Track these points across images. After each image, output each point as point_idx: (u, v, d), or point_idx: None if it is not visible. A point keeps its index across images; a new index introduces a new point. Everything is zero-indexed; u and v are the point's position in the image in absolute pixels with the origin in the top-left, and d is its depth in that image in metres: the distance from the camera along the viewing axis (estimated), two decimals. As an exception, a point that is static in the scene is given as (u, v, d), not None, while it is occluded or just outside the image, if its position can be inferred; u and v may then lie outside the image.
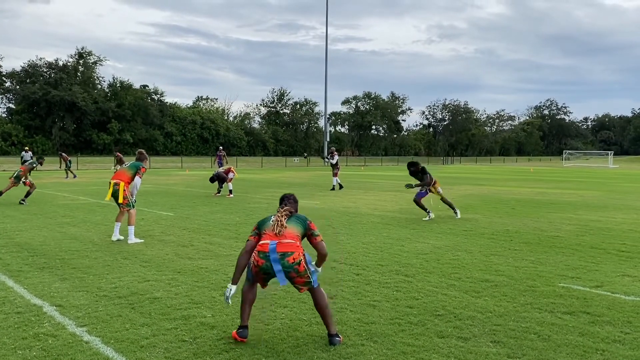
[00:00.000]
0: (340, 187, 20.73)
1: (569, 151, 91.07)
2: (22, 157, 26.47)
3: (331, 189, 20.33)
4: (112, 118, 72.48)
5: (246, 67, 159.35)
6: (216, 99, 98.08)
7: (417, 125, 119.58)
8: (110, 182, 9.13)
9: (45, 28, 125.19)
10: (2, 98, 75.10)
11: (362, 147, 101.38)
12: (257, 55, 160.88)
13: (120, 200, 8.92)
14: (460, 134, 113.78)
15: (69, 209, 13.57)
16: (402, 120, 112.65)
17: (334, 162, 20.75)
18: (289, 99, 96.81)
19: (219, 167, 32.29)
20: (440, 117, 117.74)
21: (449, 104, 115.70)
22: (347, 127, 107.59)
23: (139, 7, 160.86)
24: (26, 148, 35.81)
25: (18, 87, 71.61)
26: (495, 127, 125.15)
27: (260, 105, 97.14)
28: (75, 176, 29.43)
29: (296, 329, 4.53)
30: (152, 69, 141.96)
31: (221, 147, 33.90)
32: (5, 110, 74.09)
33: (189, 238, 9.09)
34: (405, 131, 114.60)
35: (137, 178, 9.29)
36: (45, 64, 72.35)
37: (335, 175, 20.68)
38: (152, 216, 12.06)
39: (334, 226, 10.54)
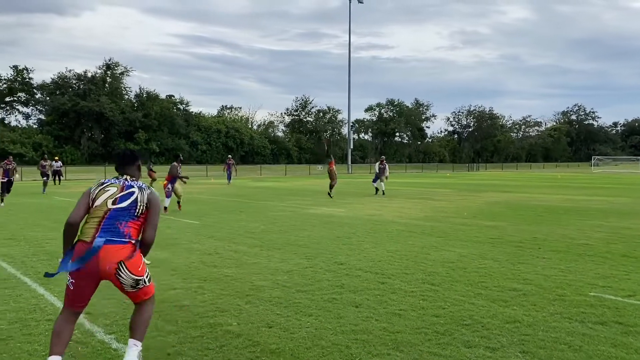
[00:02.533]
0: (376, 191, 22.07)
1: (598, 157, 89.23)
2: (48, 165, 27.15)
3: (382, 194, 21.65)
4: (139, 128, 73.83)
5: (270, 76, 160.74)
6: (240, 108, 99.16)
7: (441, 131, 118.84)
8: None
9: (74, 41, 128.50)
10: (33, 109, 77.22)
11: (386, 155, 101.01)
12: (280, 65, 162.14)
13: None
14: (485, 141, 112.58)
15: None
16: (426, 127, 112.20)
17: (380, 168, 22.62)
18: (312, 107, 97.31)
19: (228, 175, 33.55)
20: (465, 123, 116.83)
21: (473, 110, 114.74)
22: (370, 134, 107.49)
23: (164, 19, 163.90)
24: (56, 158, 36.69)
25: (48, 98, 73.55)
26: (521, 133, 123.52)
27: (284, 113, 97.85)
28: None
29: (322, 338, 4.52)
30: (177, 79, 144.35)
31: (230, 156, 36.79)
32: (36, 121, 76.12)
33: (215, 246, 9.16)
34: (429, 138, 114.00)
35: None
36: (74, 75, 74.24)
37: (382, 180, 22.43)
38: (178, 224, 12.20)
39: (358, 234, 10.51)
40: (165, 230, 11.21)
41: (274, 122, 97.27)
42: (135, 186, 3.92)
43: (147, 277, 3.78)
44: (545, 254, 8.39)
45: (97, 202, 3.80)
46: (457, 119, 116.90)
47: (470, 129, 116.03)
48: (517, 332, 4.67)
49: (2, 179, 17.07)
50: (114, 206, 3.77)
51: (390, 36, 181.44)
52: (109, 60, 76.77)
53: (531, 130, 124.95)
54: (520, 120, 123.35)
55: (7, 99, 75.79)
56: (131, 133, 73.64)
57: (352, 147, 70.97)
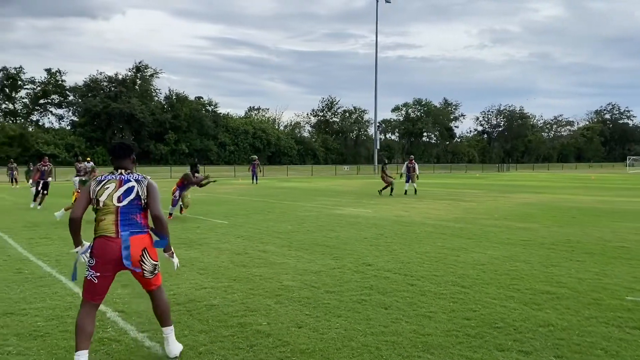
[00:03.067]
0: (391, 192, 21.75)
1: (634, 157, 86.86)
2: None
3: (414, 193, 22.10)
4: (169, 129, 74.92)
5: (296, 77, 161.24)
6: (267, 109, 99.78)
7: (470, 131, 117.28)
8: None
9: (105, 44, 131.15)
10: (66, 111, 79.16)
11: (413, 155, 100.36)
12: (307, 65, 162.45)
13: None
14: (516, 140, 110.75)
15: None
16: (455, 126, 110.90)
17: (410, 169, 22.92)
18: (338, 108, 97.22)
19: (254, 175, 33.98)
20: (495, 123, 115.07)
21: (503, 109, 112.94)
22: (397, 134, 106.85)
23: (193, 21, 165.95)
24: (88, 159, 37.52)
25: (80, 100, 75.23)
26: (552, 132, 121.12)
27: (310, 114, 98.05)
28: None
29: (351, 339, 4.51)
30: (206, 81, 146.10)
31: (255, 157, 38.00)
32: (69, 122, 77.99)
33: (243, 246, 9.23)
34: (458, 138, 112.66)
35: None
36: (106, 78, 75.77)
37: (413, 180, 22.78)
38: (207, 224, 12.34)
39: (386, 235, 10.45)
40: (195, 229, 11.35)
41: (300, 123, 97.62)
42: (133, 179, 4.05)
43: (158, 264, 4.12)
44: (579, 256, 8.20)
45: (102, 199, 3.98)
46: (486, 119, 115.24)
47: (500, 129, 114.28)
48: (551, 336, 4.58)
49: (38, 179, 17.17)
50: (121, 204, 3.97)
51: (417, 35, 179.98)
52: (139, 62, 78.20)
53: (563, 129, 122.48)
54: (552, 120, 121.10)
55: (41, 101, 77.89)
56: (161, 134, 74.80)
57: (378, 147, 70.70)
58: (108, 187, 4.00)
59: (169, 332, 4.18)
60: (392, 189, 21.58)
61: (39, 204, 16.86)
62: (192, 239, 10.14)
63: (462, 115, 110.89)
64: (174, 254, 4.36)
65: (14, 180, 32.89)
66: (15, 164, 35.03)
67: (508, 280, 6.61)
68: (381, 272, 7.10)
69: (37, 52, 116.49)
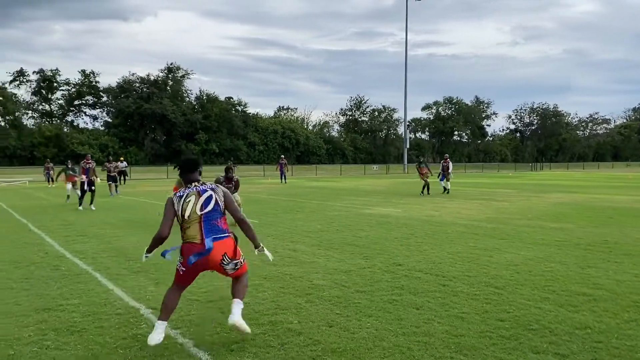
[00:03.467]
0: (444, 190, 22.23)
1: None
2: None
3: (447, 193, 21.96)
4: (200, 129, 75.90)
5: (325, 77, 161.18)
6: (296, 109, 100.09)
7: (503, 130, 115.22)
8: None
9: (137, 45, 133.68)
10: (100, 112, 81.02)
11: (444, 154, 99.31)
12: (336, 64, 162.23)
13: None
14: (549, 139, 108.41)
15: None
16: (487, 125, 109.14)
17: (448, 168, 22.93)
18: (367, 107, 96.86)
19: (282, 174, 34.20)
20: (528, 121, 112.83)
21: (537, 107, 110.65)
22: (427, 133, 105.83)
23: (222, 22, 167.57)
24: (121, 158, 38.37)
25: (114, 101, 76.87)
26: (588, 131, 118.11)
27: (339, 113, 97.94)
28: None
29: (383, 339, 4.47)
30: (235, 81, 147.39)
31: (282, 156, 38.72)
32: (102, 123, 79.78)
33: (274, 245, 9.27)
34: (490, 137, 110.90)
35: None
36: (138, 79, 77.18)
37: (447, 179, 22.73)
38: (237, 223, 12.44)
39: (417, 235, 10.36)
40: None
41: (329, 122, 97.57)
42: (208, 189, 4.50)
43: (242, 258, 4.59)
44: (617, 257, 7.97)
45: (187, 214, 4.39)
46: (519, 117, 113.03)
47: (533, 127, 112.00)
48: (588, 339, 4.45)
49: (83, 178, 16.93)
50: (203, 212, 4.40)
51: (448, 33, 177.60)
52: (171, 63, 79.41)
53: (599, 128, 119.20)
54: (587, 118, 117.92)
55: (76, 102, 79.88)
56: (192, 134, 75.81)
57: (408, 146, 70.18)
58: (189, 201, 4.41)
59: (238, 303, 4.52)
60: (427, 188, 21.39)
61: (91, 203, 16.53)
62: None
63: (494, 113, 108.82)
64: (264, 248, 4.74)
65: (50, 179, 33.82)
66: (51, 164, 36.02)
67: (543, 281, 6.47)
68: (412, 272, 7.03)
69: (72, 54, 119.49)
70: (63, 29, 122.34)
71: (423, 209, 15.48)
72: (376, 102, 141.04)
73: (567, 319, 4.96)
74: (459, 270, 7.13)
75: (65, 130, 73.53)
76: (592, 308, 5.33)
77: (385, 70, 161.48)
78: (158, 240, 4.47)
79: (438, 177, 23.08)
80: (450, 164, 22.98)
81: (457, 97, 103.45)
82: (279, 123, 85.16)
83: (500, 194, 22.20)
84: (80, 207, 16.39)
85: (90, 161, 17.44)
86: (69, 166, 19.22)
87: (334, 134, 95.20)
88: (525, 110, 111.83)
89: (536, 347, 4.26)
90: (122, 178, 32.69)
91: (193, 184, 4.51)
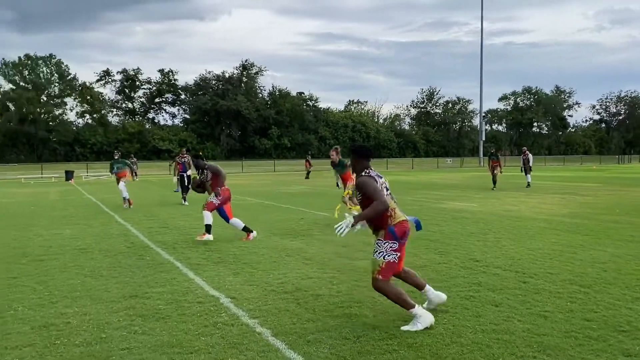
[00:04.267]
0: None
1: None
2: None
3: (527, 186, 21.42)
4: (272, 124, 77.48)
5: (396, 69, 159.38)
6: (366, 102, 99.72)
7: (586, 120, 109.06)
8: None
9: (213, 44, 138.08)
10: (178, 109, 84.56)
11: (522, 146, 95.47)
12: (407, 56, 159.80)
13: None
14: (638, 130, 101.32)
15: (237, 208, 14.73)
16: (569, 115, 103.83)
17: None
18: (439, 98, 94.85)
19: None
20: (615, 111, 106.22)
21: (624, 96, 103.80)
22: (504, 125, 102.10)
23: (294, 19, 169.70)
24: (200, 153, 39.86)
25: (191, 98, 79.96)
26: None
27: (410, 106, 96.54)
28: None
29: (460, 336, 4.37)
30: (307, 76, 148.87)
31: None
32: (181, 119, 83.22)
33: (346, 238, 9.29)
34: (572, 128, 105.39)
35: None
36: (214, 76, 79.89)
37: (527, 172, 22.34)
38: (310, 216, 12.60)
39: (494, 230, 10.03)
40: (298, 221, 11.64)
41: (400, 115, 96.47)
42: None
43: None
44: None
45: (386, 192, 4.75)
46: (604, 107, 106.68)
47: (620, 117, 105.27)
48: (688, 344, 4.13)
49: (179, 173, 17.09)
50: (389, 193, 4.81)
51: (525, 20, 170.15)
52: (245, 61, 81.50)
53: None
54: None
55: (156, 100, 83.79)
56: (265, 129, 77.54)
57: (484, 138, 67.98)
58: (383, 182, 4.80)
59: (429, 287, 5.01)
60: (494, 182, 20.68)
61: (183, 197, 16.61)
62: (297, 230, 10.40)
63: (577, 103, 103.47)
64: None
65: (134, 174, 35.72)
66: (135, 159, 38.01)
67: (633, 280, 6.07)
68: (490, 268, 6.82)
69: (153, 54, 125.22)
70: (144, 30, 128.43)
71: (500, 204, 14.95)
72: (450, 94, 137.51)
73: (663, 322, 4.63)
74: (540, 267, 6.83)
75: (147, 126, 77.37)
76: (691, 311, 4.94)
77: (459, 61, 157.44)
78: (383, 211, 4.57)
79: (521, 171, 22.65)
80: (530, 157, 22.39)
81: (536, 87, 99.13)
82: (350, 117, 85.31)
83: (584, 188, 21.04)
84: (185, 203, 16.27)
85: (185, 155, 17.58)
86: (116, 158, 16.74)
87: (405, 127, 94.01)
88: (611, 99, 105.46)
89: (627, 350, 4.01)
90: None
91: (370, 169, 4.84)
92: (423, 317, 4.53)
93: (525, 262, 7.15)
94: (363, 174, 4.78)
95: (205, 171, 9.82)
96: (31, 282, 6.56)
